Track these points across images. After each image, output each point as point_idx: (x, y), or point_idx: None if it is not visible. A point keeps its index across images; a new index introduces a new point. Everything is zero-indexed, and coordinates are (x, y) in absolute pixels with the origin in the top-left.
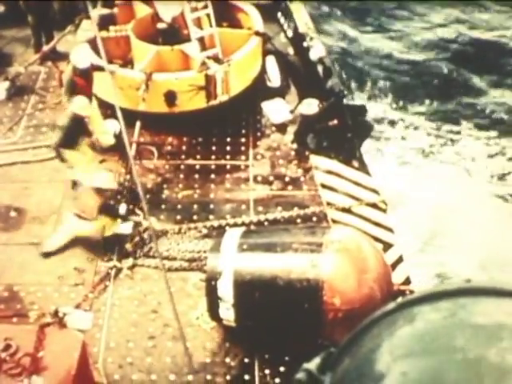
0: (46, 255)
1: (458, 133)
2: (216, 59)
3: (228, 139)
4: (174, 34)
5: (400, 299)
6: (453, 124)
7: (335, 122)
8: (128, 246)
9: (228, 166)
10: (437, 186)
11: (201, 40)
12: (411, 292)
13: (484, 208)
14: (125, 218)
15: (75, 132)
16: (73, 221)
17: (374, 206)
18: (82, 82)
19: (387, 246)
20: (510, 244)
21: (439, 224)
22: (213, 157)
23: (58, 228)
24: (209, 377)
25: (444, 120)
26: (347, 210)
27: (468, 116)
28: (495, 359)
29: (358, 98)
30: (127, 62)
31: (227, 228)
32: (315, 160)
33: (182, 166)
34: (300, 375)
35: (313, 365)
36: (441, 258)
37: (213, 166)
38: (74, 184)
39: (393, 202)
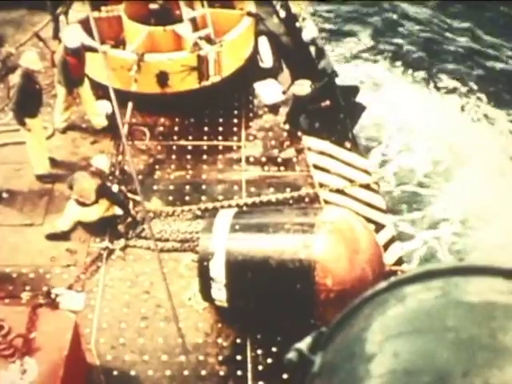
0: (50, 237)
1: None
2: (208, 40)
3: (220, 120)
4: (166, 15)
5: (391, 278)
6: None
7: (328, 102)
8: (120, 227)
9: (220, 147)
10: None
11: (193, 20)
12: (403, 273)
13: None
14: (122, 201)
15: (30, 88)
16: (74, 207)
17: (366, 186)
18: (74, 62)
19: (379, 227)
20: None
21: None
22: (205, 138)
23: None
24: (201, 357)
25: None
26: (339, 191)
27: None
28: (487, 338)
29: None
30: (119, 43)
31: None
32: (308, 141)
33: (174, 147)
34: (291, 355)
35: (304, 344)
36: None
37: (205, 147)
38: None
39: None
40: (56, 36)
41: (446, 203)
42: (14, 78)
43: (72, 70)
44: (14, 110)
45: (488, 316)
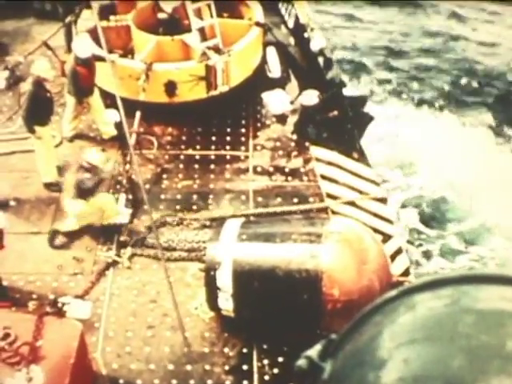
0: (53, 239)
1: None
2: (216, 50)
3: (228, 130)
4: (174, 24)
5: (401, 287)
6: None
7: (335, 113)
8: (126, 236)
9: (228, 157)
10: None
11: (201, 30)
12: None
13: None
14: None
15: (41, 96)
16: (70, 203)
17: (374, 197)
18: (84, 72)
19: (386, 238)
20: None
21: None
22: (213, 147)
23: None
24: (207, 367)
25: None
26: (347, 202)
27: None
28: (497, 346)
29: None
30: (128, 52)
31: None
32: (315, 151)
33: (182, 156)
34: (301, 362)
35: (314, 352)
36: None
37: (212, 157)
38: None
39: None
40: (69, 45)
41: (485, 216)
42: (26, 86)
43: (82, 80)
44: (25, 118)
45: (497, 323)
